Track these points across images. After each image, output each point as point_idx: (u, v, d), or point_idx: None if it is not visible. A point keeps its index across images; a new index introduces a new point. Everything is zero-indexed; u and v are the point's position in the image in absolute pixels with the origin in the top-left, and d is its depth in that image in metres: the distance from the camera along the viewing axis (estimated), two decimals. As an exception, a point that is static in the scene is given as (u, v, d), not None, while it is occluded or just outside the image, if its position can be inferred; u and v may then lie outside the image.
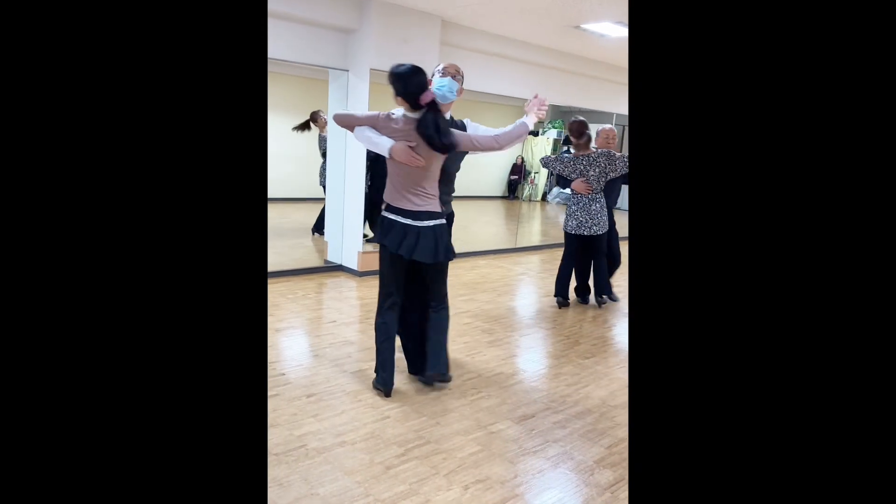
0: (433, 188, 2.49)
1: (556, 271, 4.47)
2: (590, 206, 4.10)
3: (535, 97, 2.53)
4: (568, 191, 12.81)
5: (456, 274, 5.20)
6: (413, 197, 2.46)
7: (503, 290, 4.75)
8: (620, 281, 4.88)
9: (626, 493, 2.04)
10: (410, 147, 2.37)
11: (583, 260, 4.36)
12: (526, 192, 11.96)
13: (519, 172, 11.88)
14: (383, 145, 2.41)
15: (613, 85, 7.00)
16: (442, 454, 2.20)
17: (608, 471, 2.18)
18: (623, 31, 4.85)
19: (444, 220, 2.54)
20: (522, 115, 2.51)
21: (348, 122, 2.49)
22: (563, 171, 4.20)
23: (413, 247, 2.46)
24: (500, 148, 2.45)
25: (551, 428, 2.48)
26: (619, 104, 7.30)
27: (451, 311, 4.19)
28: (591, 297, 4.51)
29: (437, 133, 2.33)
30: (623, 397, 2.85)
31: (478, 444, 2.29)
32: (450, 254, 2.58)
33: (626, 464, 2.23)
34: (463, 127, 2.61)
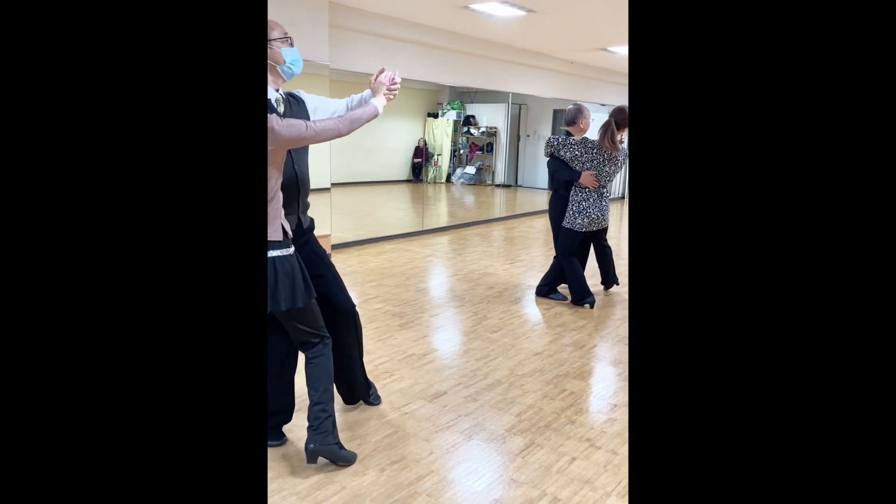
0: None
1: (465, 251, 4.45)
2: (600, 201, 3.83)
3: (383, 71, 2.02)
4: (471, 170, 12.89)
5: (363, 260, 5.16)
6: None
7: (412, 273, 4.77)
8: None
9: (536, 457, 2.13)
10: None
11: (581, 253, 4.08)
12: (430, 175, 12.02)
13: (422, 155, 11.90)
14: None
15: (508, 64, 7.15)
16: (356, 440, 2.19)
17: (518, 437, 2.26)
18: (511, 11, 4.94)
19: (283, 251, 1.80)
20: (390, 96, 2.04)
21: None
22: (574, 159, 3.79)
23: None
24: (344, 135, 1.85)
25: (463, 402, 2.54)
26: (514, 83, 7.48)
27: (361, 298, 4.21)
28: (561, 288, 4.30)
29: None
30: (530, 365, 2.96)
31: (392, 426, 2.30)
32: (301, 297, 1.84)
33: (535, 428, 2.33)
34: (303, 104, 2.06)
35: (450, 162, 12.04)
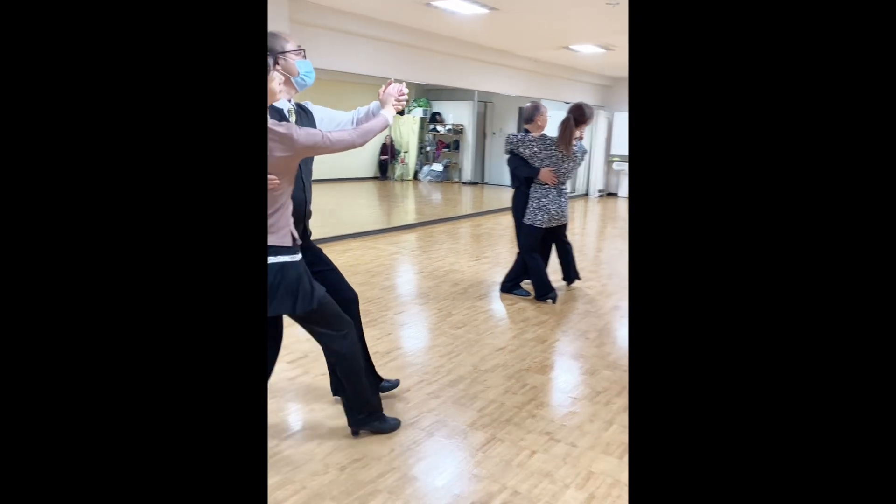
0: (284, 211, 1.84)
1: (432, 249, 4.45)
2: (559, 197, 3.88)
3: (391, 83, 2.11)
4: (439, 168, 12.90)
5: (328, 258, 5.12)
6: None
7: (377, 271, 4.75)
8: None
9: (497, 451, 2.15)
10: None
11: (543, 250, 4.11)
12: (398, 172, 11.98)
13: (388, 152, 11.85)
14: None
15: (473, 62, 7.17)
16: (316, 440, 2.18)
17: (480, 432, 2.29)
18: (473, 9, 4.96)
19: (291, 257, 1.84)
20: (378, 97, 2.17)
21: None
22: (533, 156, 3.81)
23: None
24: (357, 147, 1.91)
25: (425, 399, 2.54)
26: (479, 81, 7.50)
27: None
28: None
29: None
30: (493, 361, 2.99)
31: (353, 424, 2.30)
32: (302, 304, 1.85)
33: (496, 423, 2.36)
34: (311, 115, 2.13)
35: (417, 159, 12.02)
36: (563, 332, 3.48)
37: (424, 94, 11.84)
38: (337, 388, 2.43)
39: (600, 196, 10.59)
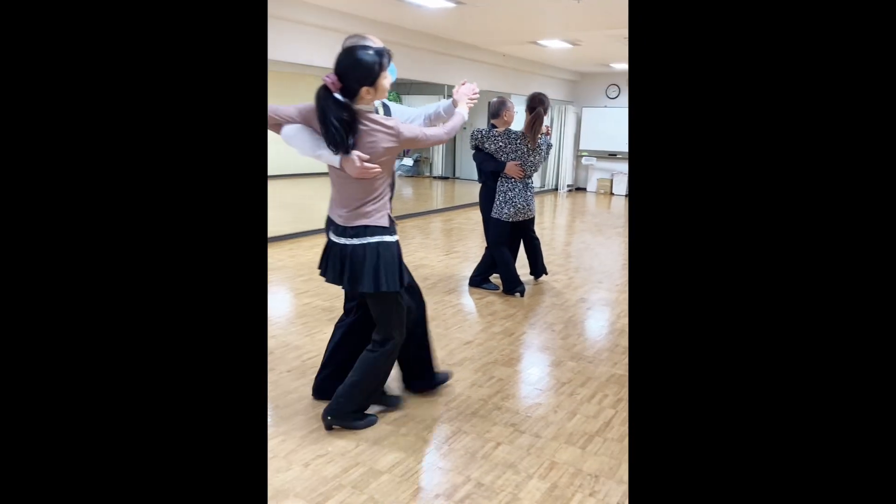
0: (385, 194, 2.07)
1: (402, 244, 4.39)
2: (525, 191, 3.91)
3: (464, 84, 2.29)
4: (409, 162, 12.80)
5: (294, 254, 5.07)
6: (362, 207, 2.04)
7: (345, 266, 4.72)
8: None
9: (462, 443, 2.17)
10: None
11: (512, 244, 4.12)
12: (368, 167, 11.88)
13: (359, 147, 11.74)
14: (327, 157, 1.98)
15: (443, 56, 7.15)
16: (280, 436, 2.16)
17: (445, 425, 2.30)
18: (439, 3, 4.95)
19: (390, 237, 2.08)
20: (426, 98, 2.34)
21: (272, 122, 2.04)
22: (498, 151, 3.83)
23: (339, 271, 2.06)
24: (444, 142, 2.21)
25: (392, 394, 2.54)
26: (449, 75, 7.49)
27: (290, 294, 4.13)
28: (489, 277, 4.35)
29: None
30: (460, 354, 3.01)
31: (318, 421, 2.28)
32: (387, 282, 2.04)
33: (462, 416, 2.37)
34: (390, 111, 2.33)
35: (387, 154, 11.93)
36: (531, 325, 3.52)
37: (395, 87, 11.77)
38: (326, 390, 2.36)
39: (569, 191, 10.70)
